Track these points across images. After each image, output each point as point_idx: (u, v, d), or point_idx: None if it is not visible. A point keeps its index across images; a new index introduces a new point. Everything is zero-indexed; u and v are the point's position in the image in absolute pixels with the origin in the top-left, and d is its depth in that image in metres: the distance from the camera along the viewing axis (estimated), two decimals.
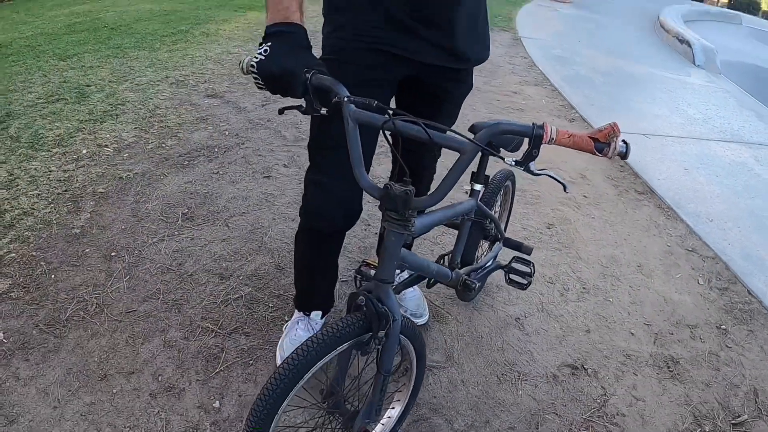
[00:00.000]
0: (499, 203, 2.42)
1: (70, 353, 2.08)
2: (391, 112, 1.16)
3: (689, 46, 8.47)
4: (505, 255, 2.33)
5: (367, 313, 1.30)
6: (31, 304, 2.31)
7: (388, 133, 1.22)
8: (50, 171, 3.30)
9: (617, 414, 2.03)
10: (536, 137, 1.11)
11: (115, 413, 1.87)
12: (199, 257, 2.50)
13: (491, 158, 1.79)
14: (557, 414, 2.00)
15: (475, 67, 1.77)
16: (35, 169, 3.34)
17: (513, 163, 1.21)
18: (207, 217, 2.84)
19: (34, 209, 2.92)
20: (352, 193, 1.66)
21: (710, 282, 2.80)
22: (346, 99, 1.17)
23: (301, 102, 1.25)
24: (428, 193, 1.45)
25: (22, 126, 3.91)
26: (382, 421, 1.75)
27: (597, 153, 1.09)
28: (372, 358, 1.44)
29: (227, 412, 1.88)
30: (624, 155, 1.09)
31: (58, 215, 2.86)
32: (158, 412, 1.88)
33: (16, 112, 4.17)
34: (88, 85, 4.63)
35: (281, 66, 1.18)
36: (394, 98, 1.78)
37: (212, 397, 1.93)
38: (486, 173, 1.91)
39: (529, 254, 2.27)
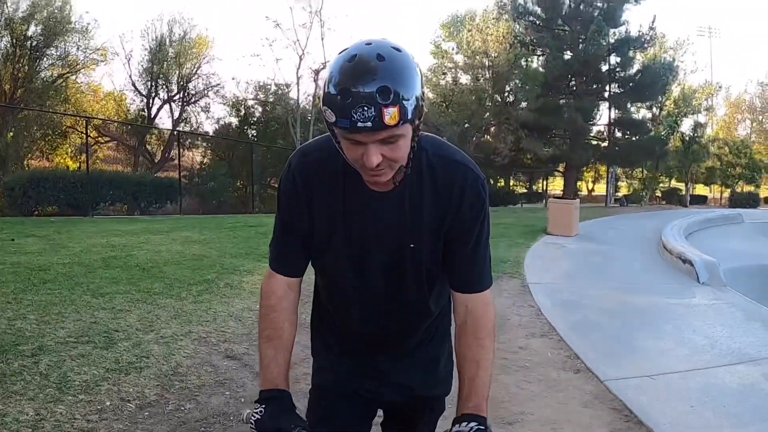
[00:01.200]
0: None
1: None
2: None
3: (692, 265, 8.77)
4: None
5: None
6: None
7: None
8: (75, 419, 3.57)
9: None
10: None
11: None
12: None
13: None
14: None
15: None
16: (60, 413, 3.61)
17: None
18: None
19: None
20: None
21: None
22: None
23: None
24: None
25: (52, 364, 4.25)
26: None
27: None
28: None
29: None
30: None
31: None
32: None
33: (48, 347, 4.54)
34: (116, 330, 5.04)
35: (274, 426, 1.51)
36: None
37: None
38: None
39: None
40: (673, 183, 43.40)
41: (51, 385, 3.96)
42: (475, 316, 1.60)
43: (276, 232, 1.67)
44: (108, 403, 3.81)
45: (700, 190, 46.12)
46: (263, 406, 1.55)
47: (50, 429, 3.44)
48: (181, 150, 25.90)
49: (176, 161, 24.69)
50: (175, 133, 29.55)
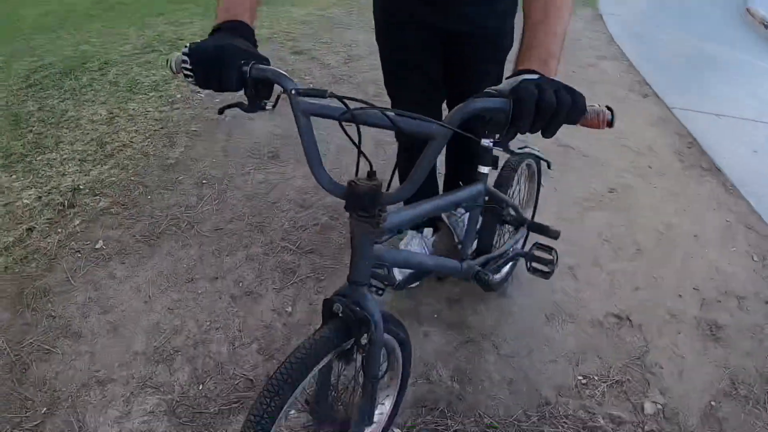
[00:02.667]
0: (518, 187, 2.23)
1: (162, 260, 2.34)
2: (347, 102, 1.06)
3: None
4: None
5: (345, 320, 1.19)
6: (129, 218, 2.59)
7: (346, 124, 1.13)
8: (147, 111, 3.59)
9: (655, 365, 2.09)
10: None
11: (198, 310, 2.12)
12: (282, 188, 2.73)
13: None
14: (598, 356, 2.11)
15: None
16: (133, 109, 3.64)
17: (491, 144, 1.26)
18: (291, 156, 3.08)
19: (132, 142, 3.21)
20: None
21: (765, 259, 2.77)
22: (294, 92, 1.05)
23: (242, 99, 1.09)
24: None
25: (120, 72, 4.22)
26: (374, 420, 1.54)
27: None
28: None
29: (298, 317, 2.11)
30: (611, 123, 0.95)
31: (154, 148, 3.14)
32: (236, 311, 2.12)
33: (114, 60, 4.49)
34: (180, 39, 4.93)
35: (218, 46, 1.03)
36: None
37: (285, 303, 2.16)
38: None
39: (556, 238, 2.03)
40: None
41: (121, 89, 3.96)
42: None
43: None
44: (179, 96, 3.80)
45: None
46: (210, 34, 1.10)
47: (124, 122, 3.47)
48: None
49: None
50: None
